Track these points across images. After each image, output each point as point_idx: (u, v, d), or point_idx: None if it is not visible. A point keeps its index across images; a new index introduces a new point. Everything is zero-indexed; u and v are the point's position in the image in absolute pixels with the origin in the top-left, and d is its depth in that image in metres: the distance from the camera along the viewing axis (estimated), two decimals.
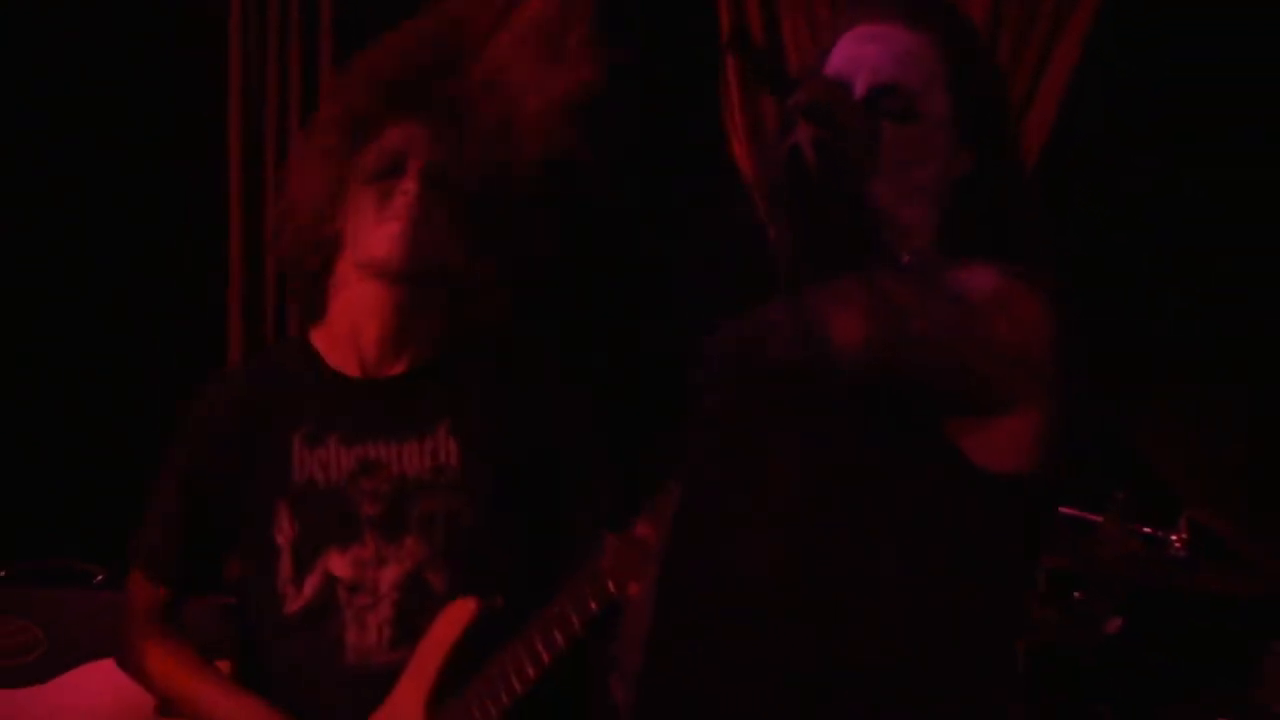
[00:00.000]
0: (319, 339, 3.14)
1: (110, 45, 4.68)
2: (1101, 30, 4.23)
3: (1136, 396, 3.70)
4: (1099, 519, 3.62)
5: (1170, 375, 3.91)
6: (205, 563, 3.19)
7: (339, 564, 3.06)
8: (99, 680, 3.77)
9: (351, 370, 3.10)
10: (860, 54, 2.34)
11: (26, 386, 4.63)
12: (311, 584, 3.06)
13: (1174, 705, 3.81)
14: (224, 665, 3.20)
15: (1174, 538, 3.63)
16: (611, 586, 2.84)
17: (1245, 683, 3.72)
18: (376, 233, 3.04)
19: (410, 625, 3.03)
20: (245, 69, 4.65)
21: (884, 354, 2.15)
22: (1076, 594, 3.77)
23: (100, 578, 3.97)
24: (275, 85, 4.65)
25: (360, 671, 3.03)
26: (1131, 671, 3.86)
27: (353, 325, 3.10)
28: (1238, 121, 4.14)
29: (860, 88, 2.31)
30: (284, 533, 3.07)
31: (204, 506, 3.12)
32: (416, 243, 3.02)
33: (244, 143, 4.67)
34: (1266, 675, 3.69)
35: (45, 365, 4.67)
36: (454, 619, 3.01)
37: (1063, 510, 3.69)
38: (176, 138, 4.69)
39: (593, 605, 2.89)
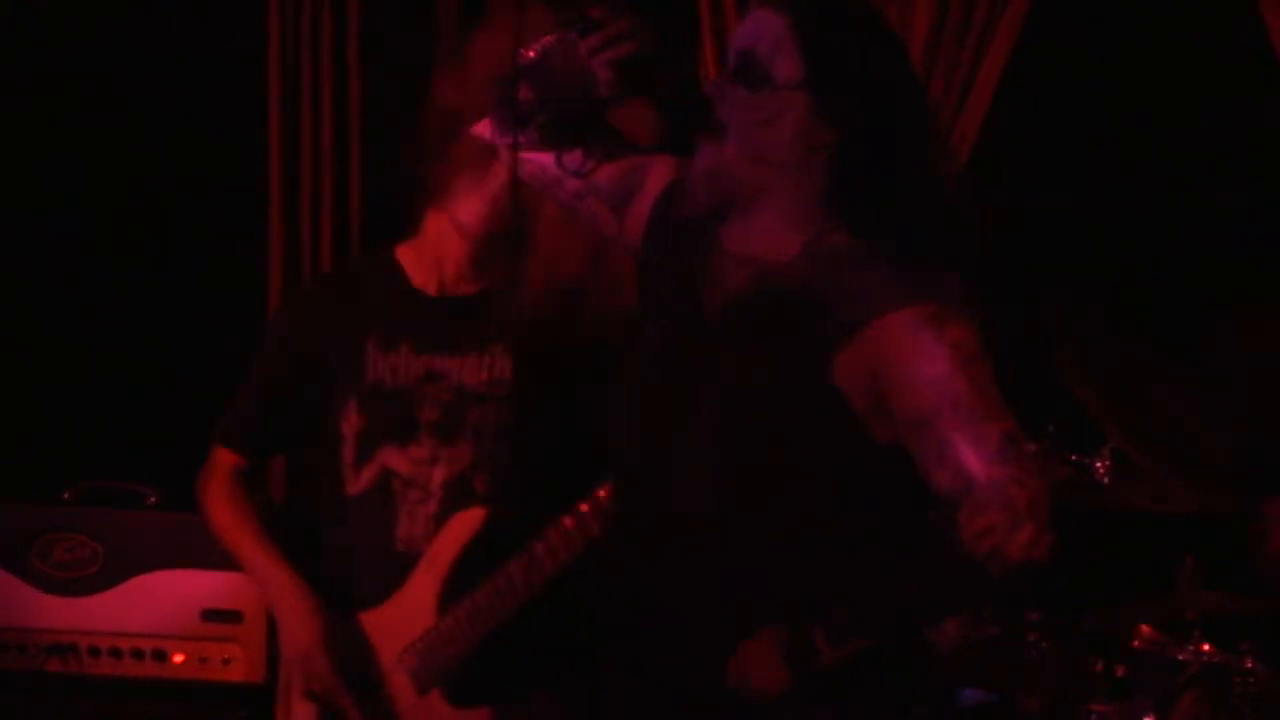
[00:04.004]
0: (405, 256, 3.37)
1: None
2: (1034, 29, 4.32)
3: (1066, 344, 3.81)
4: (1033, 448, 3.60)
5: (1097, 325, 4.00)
6: (278, 441, 3.46)
7: (397, 460, 3.29)
8: (150, 590, 3.99)
9: (431, 289, 3.33)
10: (737, 31, 2.58)
11: (89, 323, 4.71)
12: (369, 472, 3.29)
13: (1099, 612, 3.95)
14: None
15: (1098, 465, 3.76)
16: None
17: (1161, 592, 3.86)
18: (470, 200, 3.25)
19: None
20: (283, 65, 4.68)
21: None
22: None
23: (153, 499, 4.11)
24: (309, 83, 4.68)
25: (406, 558, 3.26)
26: (1062, 582, 3.82)
27: (440, 250, 3.32)
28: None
29: (732, 58, 2.52)
30: (350, 424, 3.30)
31: (283, 394, 3.37)
32: (501, 217, 3.22)
33: (282, 135, 4.72)
34: (1179, 585, 3.82)
35: (107, 303, 4.73)
36: (463, 524, 3.23)
37: None
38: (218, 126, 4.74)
39: (597, 528, 3.08)
